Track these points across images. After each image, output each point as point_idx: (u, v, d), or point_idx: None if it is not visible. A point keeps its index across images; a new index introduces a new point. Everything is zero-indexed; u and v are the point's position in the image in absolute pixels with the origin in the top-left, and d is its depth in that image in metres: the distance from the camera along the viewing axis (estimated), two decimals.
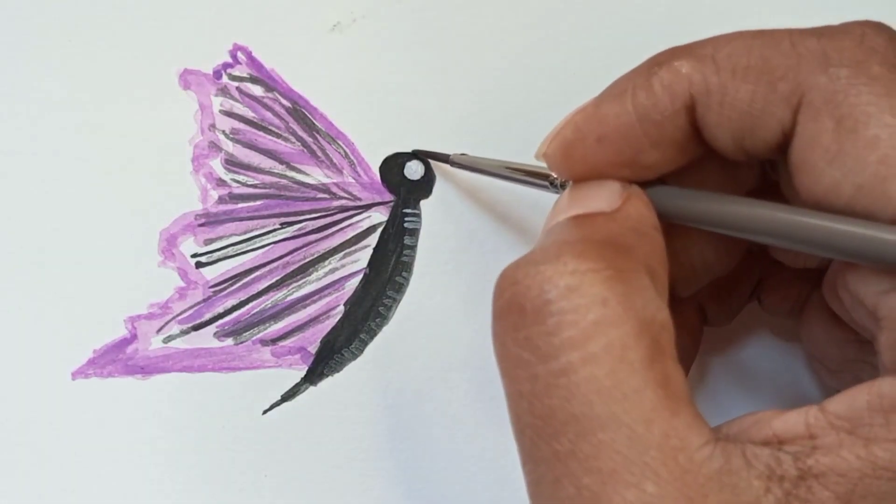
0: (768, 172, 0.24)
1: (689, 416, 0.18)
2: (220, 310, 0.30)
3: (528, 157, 0.31)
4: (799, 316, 0.27)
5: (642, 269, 0.20)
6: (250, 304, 0.30)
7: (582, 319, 0.18)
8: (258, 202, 0.31)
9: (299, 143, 0.31)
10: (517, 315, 0.19)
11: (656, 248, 0.21)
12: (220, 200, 0.31)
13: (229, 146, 0.31)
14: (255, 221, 0.31)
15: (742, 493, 0.18)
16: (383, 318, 0.30)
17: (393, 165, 0.31)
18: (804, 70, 0.20)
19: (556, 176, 0.24)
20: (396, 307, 0.30)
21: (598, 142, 0.21)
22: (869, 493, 0.17)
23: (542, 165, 0.24)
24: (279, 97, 0.31)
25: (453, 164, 0.30)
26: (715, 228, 0.21)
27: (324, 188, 0.31)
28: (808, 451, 0.18)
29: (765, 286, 0.28)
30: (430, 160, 0.31)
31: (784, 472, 0.18)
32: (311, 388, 0.30)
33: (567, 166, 0.22)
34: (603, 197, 0.21)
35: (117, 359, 0.30)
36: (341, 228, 0.31)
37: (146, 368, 0.30)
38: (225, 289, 0.31)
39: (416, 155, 0.31)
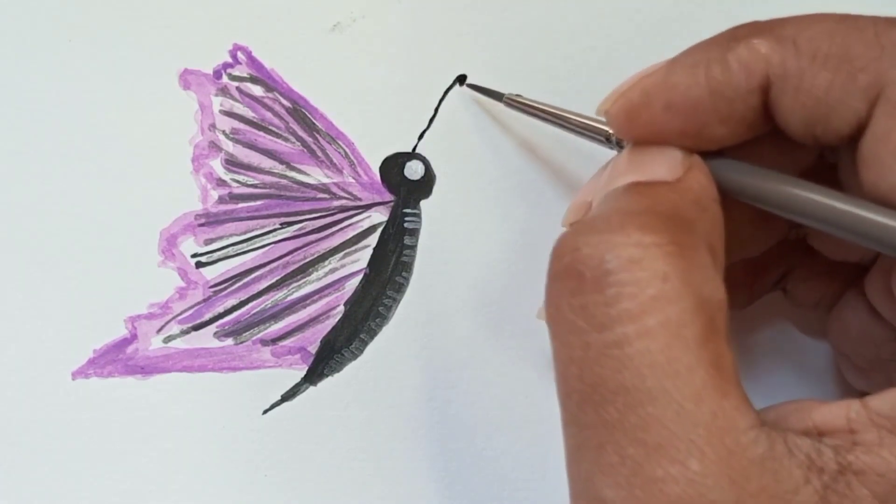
0: (826, 155, 0.24)
1: (737, 398, 0.18)
2: (220, 310, 0.30)
3: (528, 158, 0.31)
4: (829, 311, 0.27)
5: (703, 245, 0.19)
6: (250, 304, 0.30)
7: (641, 293, 0.18)
8: (258, 202, 0.31)
9: (299, 143, 0.31)
10: (575, 281, 0.19)
11: (716, 222, 0.21)
12: (220, 200, 0.31)
13: (229, 146, 0.31)
14: (255, 221, 0.31)
15: (783, 480, 0.18)
16: (383, 318, 0.30)
17: (393, 165, 0.31)
18: (886, 63, 0.19)
19: (613, 132, 0.24)
20: (396, 307, 0.30)
21: (664, 109, 0.21)
22: None
23: (599, 119, 0.23)
24: (279, 97, 0.31)
25: (507, 103, 0.29)
26: (773, 209, 0.21)
27: (324, 188, 0.31)
28: (849, 446, 0.18)
29: (793, 276, 0.27)
30: (483, 96, 0.30)
31: (824, 464, 0.18)
32: (311, 388, 0.30)
33: (629, 128, 0.22)
34: (665, 165, 0.21)
35: (117, 359, 0.30)
36: (341, 228, 0.31)
37: (146, 368, 0.30)
38: (225, 289, 0.30)
39: (465, 84, 0.30)
